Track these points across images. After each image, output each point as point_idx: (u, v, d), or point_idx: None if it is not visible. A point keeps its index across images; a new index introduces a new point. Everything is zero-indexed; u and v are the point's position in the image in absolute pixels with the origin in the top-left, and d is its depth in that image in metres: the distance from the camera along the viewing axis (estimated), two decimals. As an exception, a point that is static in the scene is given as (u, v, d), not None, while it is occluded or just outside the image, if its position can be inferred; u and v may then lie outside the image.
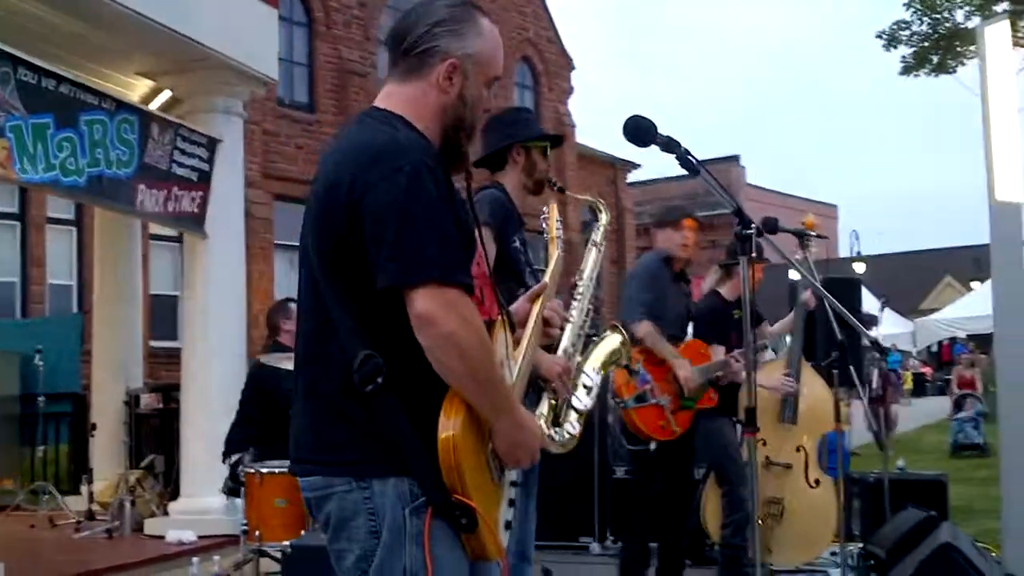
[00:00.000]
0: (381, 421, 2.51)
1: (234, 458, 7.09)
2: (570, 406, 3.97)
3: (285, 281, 18.65)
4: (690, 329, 6.74)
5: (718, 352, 6.52)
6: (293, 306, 7.60)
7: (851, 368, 6.03)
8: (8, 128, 7.15)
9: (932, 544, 5.87)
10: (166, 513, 9.17)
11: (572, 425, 3.98)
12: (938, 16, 19.03)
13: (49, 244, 15.67)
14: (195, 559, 6.79)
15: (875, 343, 5.80)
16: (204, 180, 9.18)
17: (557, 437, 3.89)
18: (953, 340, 28.26)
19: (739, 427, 7.29)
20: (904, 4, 19.23)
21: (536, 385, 3.75)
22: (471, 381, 2.49)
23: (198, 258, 9.39)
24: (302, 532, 6.11)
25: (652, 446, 6.11)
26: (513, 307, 3.09)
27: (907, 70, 19.80)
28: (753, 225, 3.95)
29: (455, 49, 2.71)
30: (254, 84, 9.69)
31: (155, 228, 14.57)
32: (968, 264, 42.16)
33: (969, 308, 27.80)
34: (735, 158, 44.73)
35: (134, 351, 10.89)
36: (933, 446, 17.71)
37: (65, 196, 10.04)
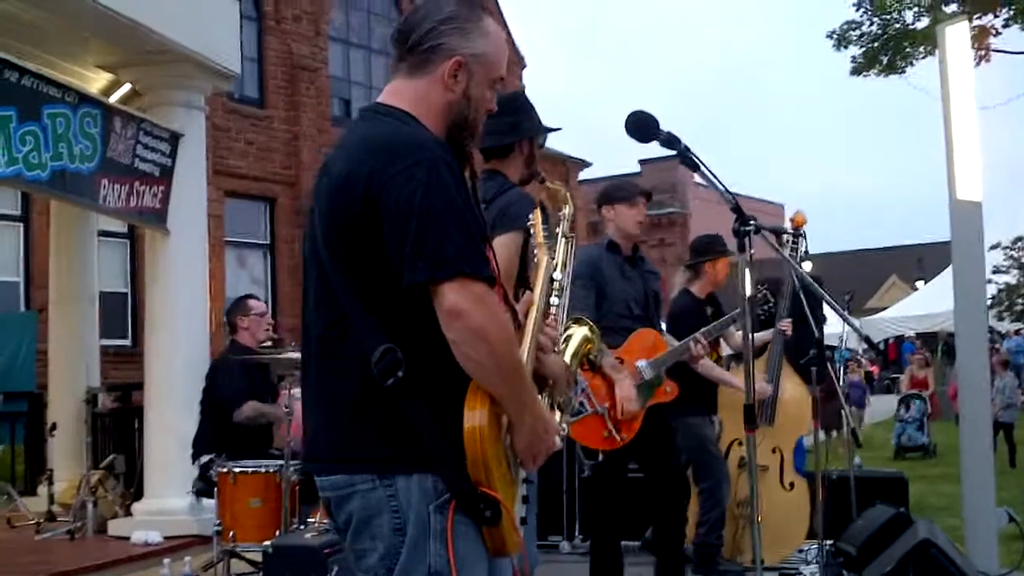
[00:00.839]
0: (402, 416, 2.49)
1: (204, 459, 7.02)
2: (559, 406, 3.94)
3: (235, 278, 18.51)
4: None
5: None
6: (252, 303, 7.59)
7: (829, 366, 6.02)
8: (-29, 122, 7.02)
9: (910, 540, 5.89)
10: (129, 514, 9.01)
11: (563, 427, 3.96)
12: (888, 17, 19.17)
13: (-5, 240, 15.44)
14: (166, 560, 6.69)
15: (869, 342, 5.77)
16: (166, 175, 9.04)
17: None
18: (900, 339, 28.59)
19: (717, 423, 7.32)
20: (854, 5, 19.38)
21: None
22: (498, 375, 2.48)
23: (159, 254, 9.23)
24: (276, 532, 6.05)
25: (599, 458, 5.81)
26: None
27: (857, 70, 19.92)
28: (752, 222, 3.95)
29: (461, 47, 2.72)
30: (216, 78, 9.54)
31: (102, 225, 14.36)
32: (912, 264, 42.74)
33: (915, 307, 28.16)
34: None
35: (92, 349, 10.70)
36: (881, 444, 17.87)
37: (28, 190, 9.89)
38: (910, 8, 18.92)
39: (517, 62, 26.52)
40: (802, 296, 6.13)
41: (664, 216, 41.14)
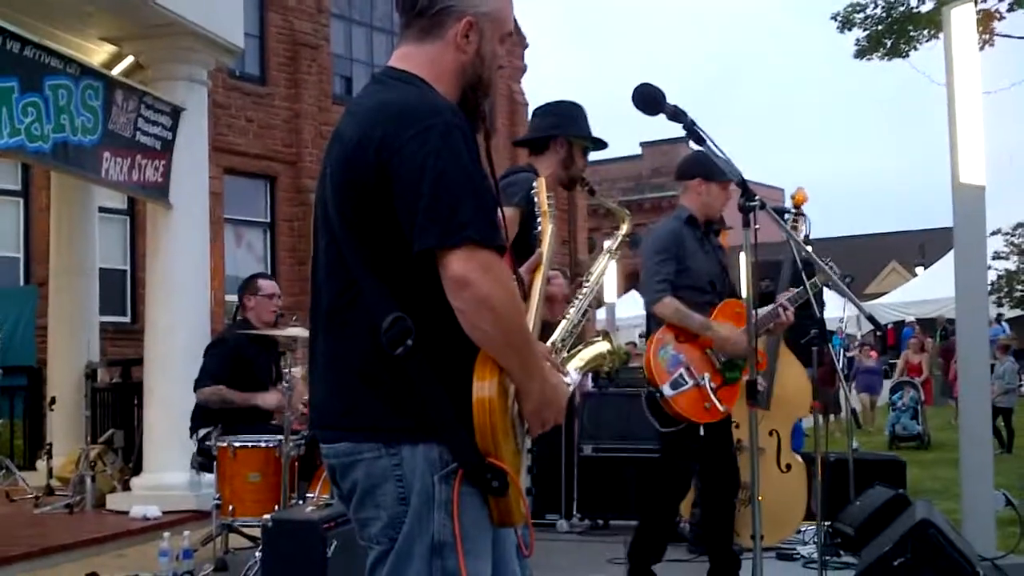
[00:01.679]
0: (410, 385, 2.47)
1: (202, 432, 6.99)
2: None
3: (234, 256, 18.47)
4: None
5: None
6: (262, 282, 7.53)
7: (830, 347, 6.00)
8: (-28, 92, 7.00)
9: (908, 521, 5.89)
10: (128, 488, 9.03)
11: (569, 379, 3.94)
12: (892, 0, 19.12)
13: (-5, 216, 15.43)
14: (165, 534, 6.69)
15: (873, 321, 5.74)
16: (166, 149, 9.03)
17: None
18: (899, 324, 28.59)
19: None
20: (859, -13, 19.33)
21: None
22: (505, 344, 2.46)
23: (160, 229, 9.22)
24: (275, 507, 6.04)
25: (701, 431, 5.60)
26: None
27: (860, 53, 19.86)
28: (757, 198, 3.95)
29: (471, 7, 2.69)
30: (219, 52, 9.51)
31: (102, 201, 14.33)
32: (913, 249, 42.76)
33: (915, 293, 28.21)
34: (683, 140, 44.70)
35: (91, 324, 10.69)
36: (878, 428, 17.91)
37: (31, 162, 9.84)
38: (915, -10, 18.86)
39: (519, 43, 26.41)
40: (803, 276, 6.09)
41: (666, 199, 41.12)
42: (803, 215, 6.16)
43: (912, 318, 26.80)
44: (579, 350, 4.20)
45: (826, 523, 7.54)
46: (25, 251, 15.51)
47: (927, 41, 18.84)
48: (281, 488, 6.12)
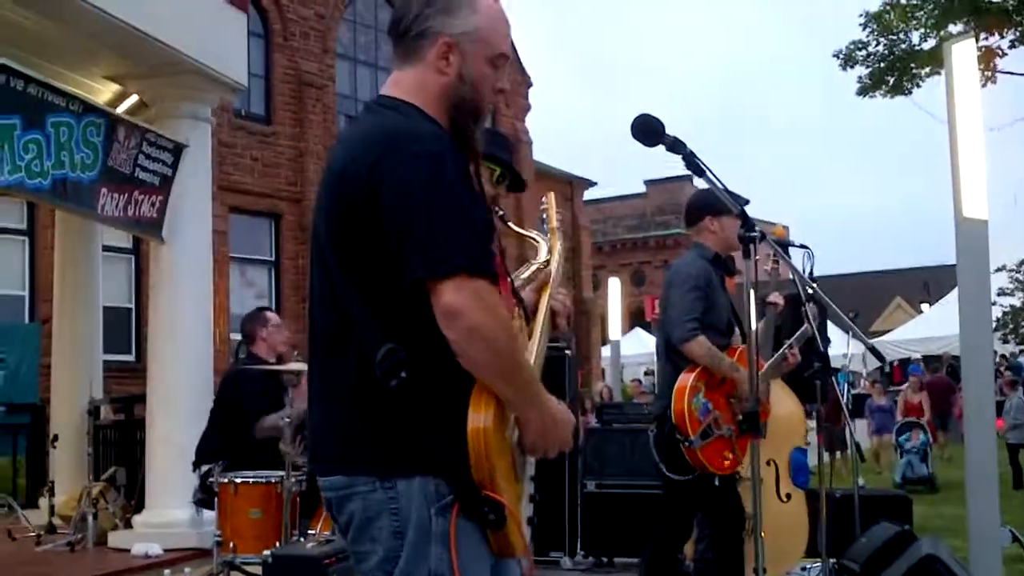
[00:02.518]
0: (405, 417, 2.44)
1: (204, 468, 6.96)
2: None
3: (239, 294, 18.49)
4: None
5: None
6: (269, 314, 7.55)
7: (834, 381, 5.95)
8: (-26, 130, 7.03)
9: (914, 556, 5.85)
10: (130, 526, 8.99)
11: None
12: (894, 37, 19.20)
13: (0, 254, 15.43)
14: (166, 572, 6.66)
15: (876, 352, 5.72)
16: (164, 185, 9.05)
17: None
18: (905, 361, 28.49)
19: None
20: (860, 25, 19.40)
21: None
22: (499, 374, 2.43)
23: (163, 265, 9.24)
24: (277, 544, 6.01)
25: (716, 482, 5.51)
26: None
27: (863, 91, 19.93)
28: (757, 229, 3.93)
29: (448, 27, 2.64)
30: (222, 90, 9.57)
31: (107, 240, 14.36)
32: (918, 286, 42.73)
33: (920, 330, 28.12)
34: (688, 178, 44.91)
35: (95, 362, 10.68)
36: (884, 466, 17.72)
37: (30, 198, 9.89)
38: (916, 29, 18.93)
39: (523, 81, 26.55)
40: (805, 309, 6.06)
41: (671, 237, 41.17)
42: (804, 247, 6.16)
43: (917, 355, 26.73)
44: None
45: (832, 560, 7.49)
46: (30, 289, 15.54)
47: (928, 78, 18.90)
48: (283, 524, 6.09)
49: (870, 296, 46.13)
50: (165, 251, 9.18)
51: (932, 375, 21.76)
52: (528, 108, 26.71)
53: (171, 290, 9.12)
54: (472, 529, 2.46)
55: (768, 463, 7.14)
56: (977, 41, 15.21)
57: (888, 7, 18.86)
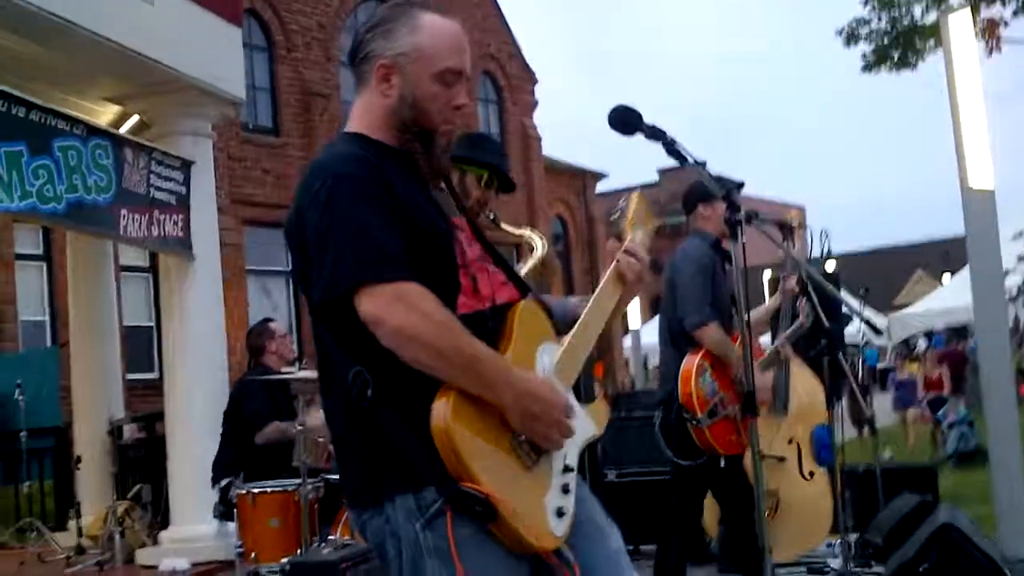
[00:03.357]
0: (381, 436, 2.49)
1: (224, 482, 7.05)
2: None
3: (259, 306, 18.58)
4: None
5: None
6: (274, 325, 7.62)
7: (841, 358, 5.98)
8: (-20, 158, 7.07)
9: (931, 526, 5.86)
10: (156, 543, 9.06)
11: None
12: (896, 12, 19.07)
13: (19, 280, 15.56)
14: (192, 585, 6.72)
15: (871, 325, 5.75)
16: (183, 203, 9.11)
17: None
18: (929, 334, 28.32)
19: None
20: (861, 2, 19.28)
21: None
22: (444, 365, 2.42)
23: (175, 284, 9.30)
24: (298, 551, 6.06)
25: (722, 463, 5.56)
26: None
27: (868, 67, 19.79)
28: (743, 211, 3.94)
29: (385, 50, 2.67)
30: (222, 105, 9.62)
31: (125, 260, 14.46)
32: (938, 258, 42.51)
33: (942, 301, 27.91)
34: (702, 164, 44.67)
35: (115, 381, 10.76)
36: (921, 447, 17.50)
37: (46, 223, 9.96)
38: (918, 2, 18.80)
39: (528, 78, 26.56)
40: (810, 289, 6.08)
41: (681, 225, 41.02)
42: (802, 227, 6.19)
43: (941, 326, 26.54)
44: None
45: (855, 535, 7.51)
46: (51, 313, 15.69)
47: (934, 51, 18.78)
48: (301, 531, 6.14)
49: (891, 271, 46.02)
50: (175, 271, 9.24)
51: (947, 347, 21.60)
52: (535, 104, 26.73)
53: (183, 309, 9.18)
54: (474, 536, 2.44)
55: (790, 442, 7.17)
56: (979, 13, 15.18)
57: (888, -18, 18.74)
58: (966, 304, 24.79)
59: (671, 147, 3.64)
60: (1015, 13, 17.40)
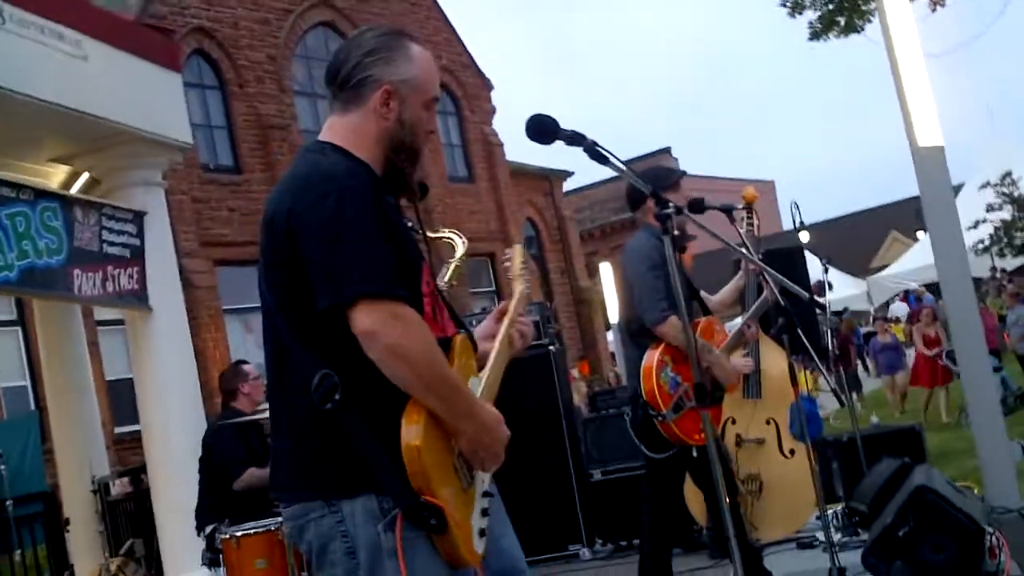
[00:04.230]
0: (344, 438, 2.57)
1: (208, 528, 7.03)
2: None
3: (241, 346, 18.50)
4: None
5: None
6: (247, 367, 7.58)
7: (800, 333, 5.97)
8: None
9: (907, 489, 5.86)
10: (152, 595, 9.05)
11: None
12: (837, -23, 19.09)
13: (-3, 348, 15.52)
14: (188, 635, 6.71)
15: (819, 304, 5.77)
16: (137, 255, 9.09)
17: None
18: (908, 293, 28.39)
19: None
20: (801, -31, 19.28)
21: None
22: (425, 388, 2.56)
23: (140, 336, 9.29)
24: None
25: (694, 453, 5.52)
26: (481, 324, 3.22)
27: (815, 35, 19.80)
28: (672, 205, 3.96)
29: (388, 75, 2.82)
30: (170, 152, 9.61)
31: (101, 314, 14.42)
32: (911, 216, 42.57)
33: (917, 259, 28.01)
34: (666, 150, 44.59)
35: (96, 439, 10.74)
36: (912, 410, 17.44)
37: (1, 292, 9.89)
38: (860, -36, 18.84)
39: (484, 85, 26.55)
40: (764, 276, 6.08)
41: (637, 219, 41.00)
42: (755, 211, 6.20)
43: (916, 284, 26.64)
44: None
45: (839, 505, 7.54)
46: (31, 378, 15.61)
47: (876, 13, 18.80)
48: (288, 569, 6.13)
49: (867, 234, 46.11)
50: (140, 322, 9.22)
51: (919, 305, 21.63)
52: (493, 111, 26.69)
53: (151, 358, 9.18)
54: (421, 541, 2.57)
55: (768, 422, 7.22)
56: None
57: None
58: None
59: (592, 150, 3.65)
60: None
